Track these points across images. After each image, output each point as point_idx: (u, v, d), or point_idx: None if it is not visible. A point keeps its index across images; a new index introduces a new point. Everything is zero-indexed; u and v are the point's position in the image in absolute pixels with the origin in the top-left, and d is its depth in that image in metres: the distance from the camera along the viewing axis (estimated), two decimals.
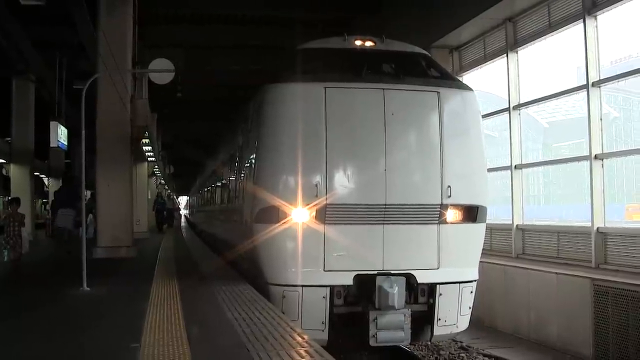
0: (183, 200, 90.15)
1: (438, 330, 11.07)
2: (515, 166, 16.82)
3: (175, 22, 24.86)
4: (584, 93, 14.16)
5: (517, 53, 17.03)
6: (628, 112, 17.00)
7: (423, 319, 11.03)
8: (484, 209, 11.31)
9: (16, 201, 15.58)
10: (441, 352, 13.50)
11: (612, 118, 16.23)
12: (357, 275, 10.56)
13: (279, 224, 10.44)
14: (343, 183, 10.60)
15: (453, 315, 11.07)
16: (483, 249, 11.76)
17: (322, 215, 10.46)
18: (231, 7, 23.40)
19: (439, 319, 10.97)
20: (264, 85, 11.39)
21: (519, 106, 16.97)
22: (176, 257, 19.19)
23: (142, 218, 31.39)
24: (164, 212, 40.29)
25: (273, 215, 10.49)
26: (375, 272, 10.54)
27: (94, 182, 18.74)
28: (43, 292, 11.73)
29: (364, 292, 10.62)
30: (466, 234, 11.19)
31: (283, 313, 9.60)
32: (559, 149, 19.91)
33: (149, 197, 39.13)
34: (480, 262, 11.59)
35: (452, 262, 10.92)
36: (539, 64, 17.45)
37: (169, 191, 65.88)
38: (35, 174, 33.54)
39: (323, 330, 10.45)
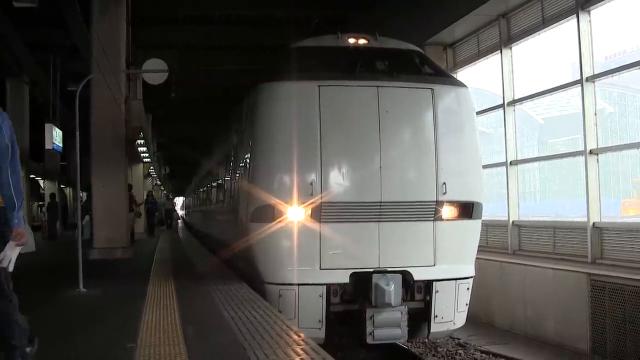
0: (179, 200, 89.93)
1: (435, 327, 11.06)
2: (511, 162, 16.84)
3: (169, 22, 24.85)
4: (578, 88, 14.18)
5: (511, 49, 17.05)
6: (623, 108, 17.01)
7: (420, 316, 11.03)
8: (480, 205, 11.30)
9: None
10: (438, 349, 13.50)
11: (607, 113, 16.24)
12: (354, 273, 10.54)
13: (274, 222, 10.43)
14: (338, 181, 10.59)
15: (450, 312, 11.06)
16: (479, 246, 11.77)
17: (318, 213, 10.44)
18: (225, 8, 23.38)
19: (436, 316, 10.95)
20: (257, 84, 11.38)
21: (513, 102, 16.99)
22: (172, 258, 19.18)
23: (138, 220, 31.30)
24: (155, 213, 39.13)
25: (268, 214, 10.48)
26: (372, 270, 10.52)
27: (89, 183, 18.71)
28: (39, 294, 11.67)
29: (360, 290, 10.60)
30: (462, 231, 11.18)
31: (280, 312, 9.58)
32: (555, 145, 19.91)
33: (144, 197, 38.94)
34: (476, 258, 11.58)
35: (448, 259, 10.91)
36: (533, 60, 17.47)
37: (164, 191, 65.72)
38: (31, 176, 33.46)
39: (320, 329, 10.43)
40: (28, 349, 5.81)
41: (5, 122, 5.84)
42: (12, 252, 5.55)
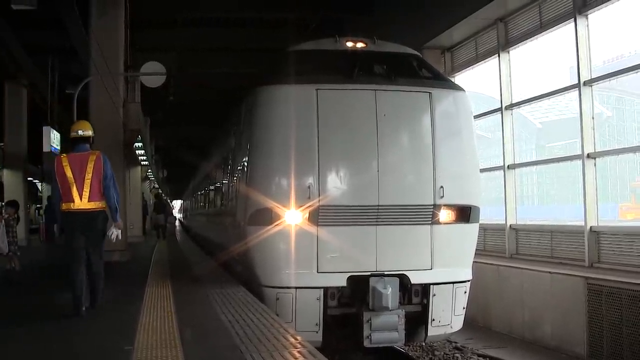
0: (177, 203, 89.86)
1: (432, 331, 11.05)
2: (508, 166, 16.85)
3: (167, 25, 24.84)
4: (576, 92, 14.20)
5: (508, 53, 17.07)
6: (621, 112, 17.05)
7: (417, 320, 11.02)
8: (477, 209, 11.29)
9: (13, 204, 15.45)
10: (436, 352, 13.50)
11: (605, 117, 16.28)
12: (351, 276, 10.52)
13: (272, 226, 10.42)
14: (336, 184, 10.58)
15: (447, 316, 11.05)
16: (476, 249, 11.77)
17: (315, 216, 10.43)
18: (223, 10, 23.39)
19: (433, 320, 10.94)
20: (255, 87, 11.38)
21: (511, 106, 17.01)
22: (170, 261, 19.16)
23: (135, 222, 31.29)
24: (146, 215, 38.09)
25: (266, 217, 10.48)
26: (369, 273, 10.51)
27: None
28: (36, 296, 11.70)
29: (357, 293, 10.60)
30: (459, 234, 11.17)
31: (277, 315, 9.57)
32: (553, 149, 19.94)
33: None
34: (474, 262, 11.58)
35: (445, 263, 10.89)
36: (531, 63, 17.50)
37: (162, 193, 65.65)
38: (28, 179, 33.45)
39: (317, 332, 10.41)
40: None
41: (107, 159, 9.60)
42: (117, 232, 9.86)
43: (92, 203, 9.33)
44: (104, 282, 9.79)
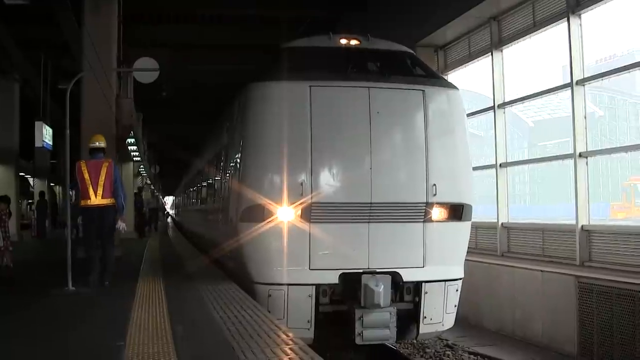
0: (169, 200, 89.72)
1: (424, 329, 11.07)
2: (500, 164, 16.87)
3: (161, 21, 24.79)
4: (568, 91, 14.23)
5: (501, 52, 17.09)
6: (613, 111, 17.15)
7: (409, 317, 11.03)
8: (469, 207, 11.31)
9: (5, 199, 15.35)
10: (427, 350, 13.54)
11: (597, 117, 16.36)
12: (343, 273, 10.54)
13: (264, 222, 10.42)
14: (328, 182, 10.57)
15: (439, 314, 11.08)
16: (468, 247, 11.78)
17: (308, 213, 10.44)
18: (217, 7, 23.37)
19: (425, 317, 10.96)
20: (248, 83, 11.37)
21: (503, 105, 17.03)
22: (162, 257, 19.13)
23: (128, 219, 31.14)
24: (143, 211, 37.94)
25: (258, 214, 10.47)
26: (361, 271, 10.52)
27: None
28: (28, 293, 11.68)
29: (349, 290, 10.60)
30: (451, 232, 11.19)
31: (269, 312, 9.57)
32: (545, 147, 20.03)
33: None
34: (465, 260, 11.60)
35: (437, 261, 10.91)
36: (524, 62, 17.56)
37: (154, 189, 65.60)
38: (21, 174, 33.31)
39: (309, 329, 10.43)
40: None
41: (116, 166, 12.35)
42: (122, 224, 12.06)
43: (105, 200, 11.75)
44: (114, 266, 12.24)
